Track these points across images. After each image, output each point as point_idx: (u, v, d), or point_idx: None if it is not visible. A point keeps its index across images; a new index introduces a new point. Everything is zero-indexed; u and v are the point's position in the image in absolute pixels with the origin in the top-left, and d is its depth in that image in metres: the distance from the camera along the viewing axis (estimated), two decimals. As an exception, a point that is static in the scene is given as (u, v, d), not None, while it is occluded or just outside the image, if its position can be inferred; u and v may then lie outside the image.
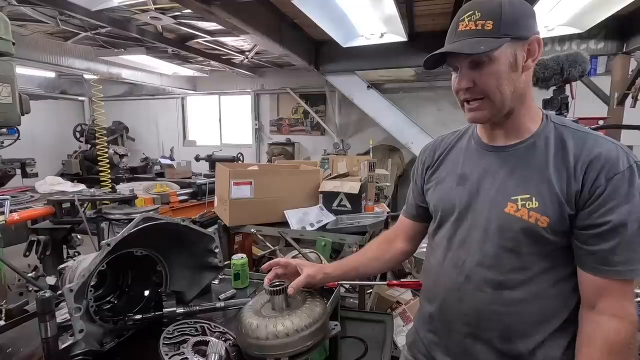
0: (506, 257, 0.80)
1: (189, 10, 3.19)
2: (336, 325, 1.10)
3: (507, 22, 0.74)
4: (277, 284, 1.01)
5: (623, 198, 0.71)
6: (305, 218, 2.31)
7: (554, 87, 1.88)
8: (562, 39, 3.78)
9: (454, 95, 0.85)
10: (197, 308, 1.13)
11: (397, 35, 3.56)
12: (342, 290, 2.47)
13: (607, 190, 0.71)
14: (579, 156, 0.75)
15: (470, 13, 0.77)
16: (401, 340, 2.03)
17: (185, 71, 5.83)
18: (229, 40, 4.53)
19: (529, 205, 0.77)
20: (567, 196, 0.74)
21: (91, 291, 0.95)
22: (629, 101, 3.40)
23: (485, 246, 0.82)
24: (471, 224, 0.85)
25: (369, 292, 2.61)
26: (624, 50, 3.66)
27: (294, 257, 1.65)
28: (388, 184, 3.77)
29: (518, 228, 0.78)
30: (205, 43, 4.54)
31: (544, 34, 3.41)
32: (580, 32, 3.31)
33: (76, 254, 2.16)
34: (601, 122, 2.43)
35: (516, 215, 0.78)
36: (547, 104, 1.90)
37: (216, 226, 2.38)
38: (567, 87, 1.86)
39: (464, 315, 0.86)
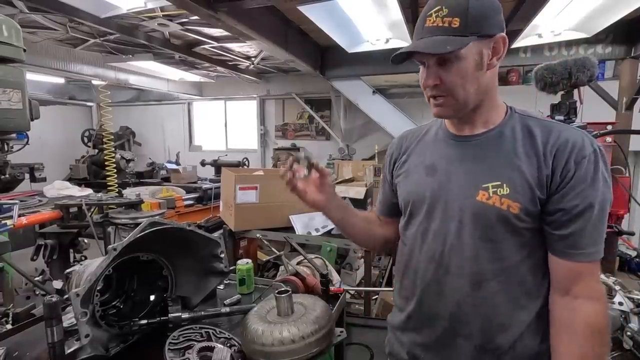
0: (483, 248, 0.80)
1: (195, 17, 3.22)
2: (342, 331, 1.09)
3: (473, 20, 0.74)
4: (283, 289, 1.01)
5: (590, 181, 0.73)
6: (311, 223, 2.31)
7: (562, 92, 1.86)
8: (569, 44, 3.76)
9: (422, 89, 0.85)
10: (202, 313, 1.12)
11: (403, 40, 3.55)
12: (348, 296, 2.45)
13: (576, 173, 0.73)
14: (547, 142, 0.77)
15: (437, 8, 0.76)
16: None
17: (191, 76, 5.88)
18: (234, 46, 4.57)
19: (500, 191, 0.77)
20: (537, 181, 0.76)
21: (97, 295, 0.95)
22: (637, 106, 3.37)
23: (461, 237, 0.82)
24: (444, 215, 0.84)
25: (374, 297, 2.59)
26: (632, 54, 3.62)
27: (298, 263, 1.65)
28: (393, 189, 3.74)
29: (492, 216, 0.78)
30: (211, 49, 4.58)
31: (550, 38, 3.39)
32: (587, 36, 3.29)
33: (83, 257, 2.17)
34: (609, 127, 2.40)
35: (488, 202, 0.78)
36: (554, 109, 1.88)
37: (221, 231, 2.38)
38: (575, 91, 1.84)
39: (443, 310, 0.85)
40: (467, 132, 0.86)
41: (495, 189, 0.78)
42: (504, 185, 0.77)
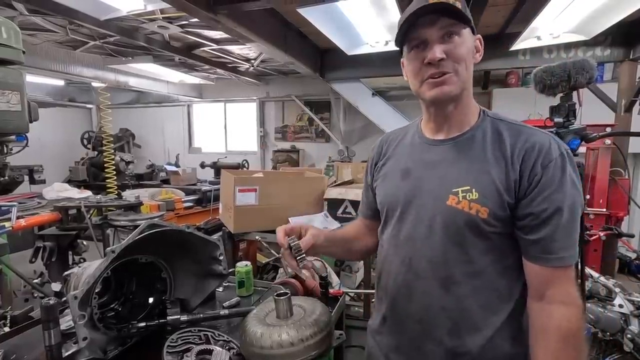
0: (452, 252, 0.80)
1: (195, 19, 3.23)
2: (341, 334, 1.09)
3: (467, 11, 0.77)
4: (282, 291, 1.00)
5: (557, 185, 0.74)
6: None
7: (561, 94, 1.86)
8: (568, 46, 3.77)
9: (412, 77, 0.82)
10: (201, 315, 1.12)
11: (402, 42, 3.56)
12: (347, 298, 2.44)
13: (543, 177, 0.74)
14: (515, 146, 0.77)
15: None
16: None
17: (191, 79, 5.89)
18: (234, 48, 4.57)
19: (469, 196, 0.78)
20: (505, 185, 0.76)
21: (95, 298, 0.94)
22: (636, 108, 3.38)
23: (431, 241, 0.82)
24: (415, 219, 0.85)
25: (373, 300, 2.59)
26: (630, 57, 3.63)
27: (298, 265, 1.64)
28: (393, 191, 3.74)
29: (461, 221, 0.78)
30: (211, 51, 4.59)
31: (549, 40, 3.40)
32: (586, 38, 3.30)
33: (81, 260, 2.17)
34: (608, 129, 2.40)
35: (457, 207, 0.78)
36: (553, 111, 1.88)
37: (220, 233, 2.38)
38: (574, 93, 1.84)
39: (414, 313, 0.85)
40: (441, 136, 0.87)
41: (464, 194, 0.78)
42: (473, 189, 0.77)
